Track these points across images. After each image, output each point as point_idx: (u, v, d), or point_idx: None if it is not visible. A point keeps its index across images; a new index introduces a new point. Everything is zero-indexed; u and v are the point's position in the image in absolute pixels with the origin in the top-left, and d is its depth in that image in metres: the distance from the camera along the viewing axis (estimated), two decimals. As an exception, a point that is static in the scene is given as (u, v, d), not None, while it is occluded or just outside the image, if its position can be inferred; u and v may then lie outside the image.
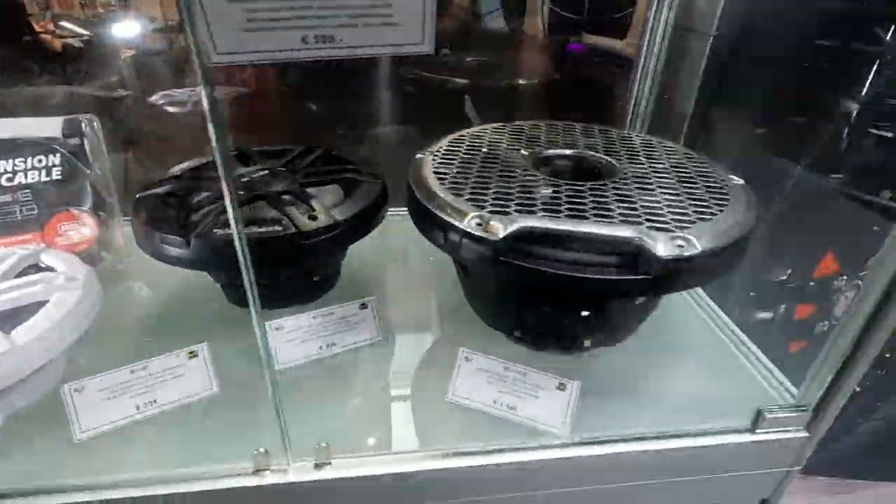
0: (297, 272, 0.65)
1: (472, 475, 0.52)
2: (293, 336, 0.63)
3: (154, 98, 1.01)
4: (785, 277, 1.16)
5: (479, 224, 0.49)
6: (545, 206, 0.51)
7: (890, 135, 0.93)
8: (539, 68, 1.14)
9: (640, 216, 0.50)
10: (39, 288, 0.54)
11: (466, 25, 1.11)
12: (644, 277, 0.46)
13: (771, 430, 0.55)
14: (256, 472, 0.49)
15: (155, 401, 0.55)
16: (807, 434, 0.55)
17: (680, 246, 0.46)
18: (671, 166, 0.62)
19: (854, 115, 0.82)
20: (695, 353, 0.67)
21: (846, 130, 0.87)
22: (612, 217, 0.49)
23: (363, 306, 0.66)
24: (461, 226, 0.49)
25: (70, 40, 0.93)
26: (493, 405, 0.56)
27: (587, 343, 0.60)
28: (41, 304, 0.53)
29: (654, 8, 0.82)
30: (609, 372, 0.62)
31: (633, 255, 0.46)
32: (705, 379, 0.63)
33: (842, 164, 0.90)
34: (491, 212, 0.50)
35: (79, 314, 0.52)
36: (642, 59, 0.86)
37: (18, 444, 0.52)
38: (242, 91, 1.06)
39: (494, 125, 0.74)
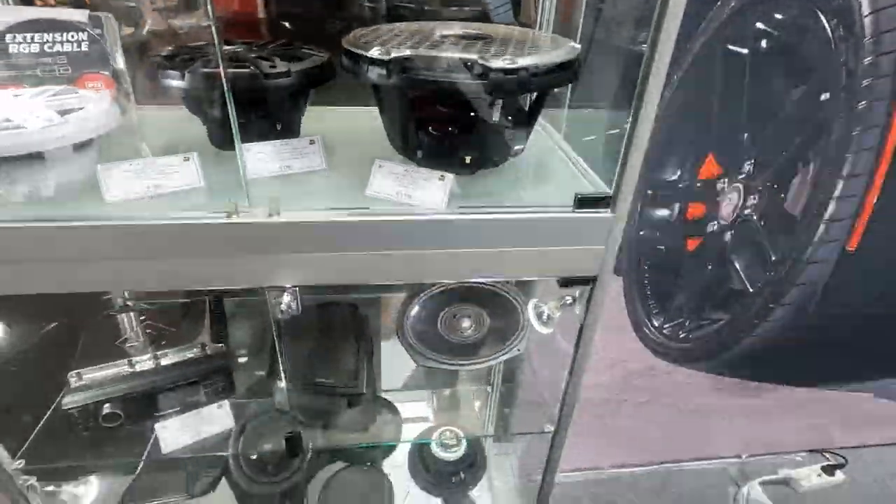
0: (264, 112, 0.89)
1: (377, 228, 0.77)
2: (260, 157, 0.87)
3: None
4: (675, 178, 1.41)
5: (380, 53, 0.73)
6: (430, 47, 0.75)
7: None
8: None
9: (489, 52, 0.74)
10: (80, 99, 0.78)
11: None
12: (482, 81, 0.70)
13: (586, 210, 0.80)
14: (228, 215, 0.73)
15: (159, 185, 0.80)
16: (611, 214, 0.80)
17: (508, 61, 0.71)
18: (532, 38, 0.86)
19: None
20: (554, 177, 0.92)
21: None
22: (473, 52, 0.74)
23: (311, 142, 0.91)
24: (368, 54, 0.74)
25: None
26: (396, 195, 0.81)
27: (468, 160, 0.84)
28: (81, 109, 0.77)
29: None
30: (490, 181, 0.87)
31: (478, 68, 0.71)
32: (558, 189, 0.88)
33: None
34: (391, 48, 0.74)
35: (108, 115, 0.77)
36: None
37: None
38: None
39: (423, 21, 0.98)
